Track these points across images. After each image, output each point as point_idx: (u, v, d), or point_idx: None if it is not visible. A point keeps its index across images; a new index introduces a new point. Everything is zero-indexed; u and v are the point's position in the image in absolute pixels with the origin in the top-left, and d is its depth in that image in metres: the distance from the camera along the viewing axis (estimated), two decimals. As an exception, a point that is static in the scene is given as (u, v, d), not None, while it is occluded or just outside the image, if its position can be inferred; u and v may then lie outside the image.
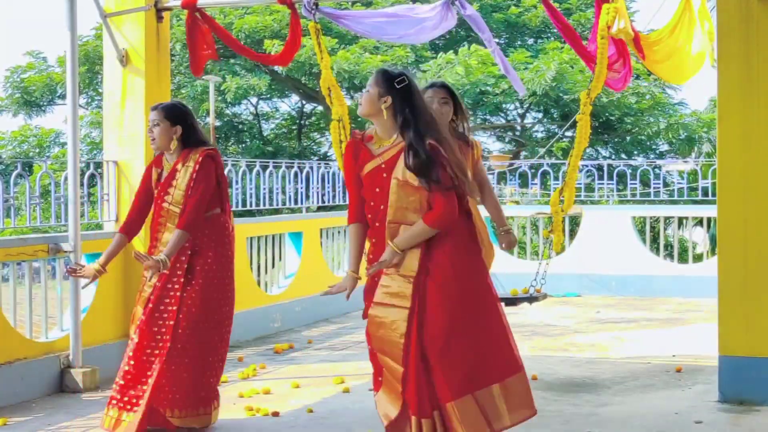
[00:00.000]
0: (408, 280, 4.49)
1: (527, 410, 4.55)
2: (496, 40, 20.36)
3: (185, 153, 5.59)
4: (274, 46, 17.83)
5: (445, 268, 4.49)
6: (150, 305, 5.55)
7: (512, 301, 7.33)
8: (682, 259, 14.35)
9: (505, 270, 12.19)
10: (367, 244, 4.73)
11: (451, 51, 18.11)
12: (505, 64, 6.98)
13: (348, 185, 4.75)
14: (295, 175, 10.74)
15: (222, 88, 19.55)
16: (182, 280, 5.52)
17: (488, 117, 21.48)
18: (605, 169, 13.93)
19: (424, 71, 18.13)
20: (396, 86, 4.55)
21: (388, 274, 4.53)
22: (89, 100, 22.36)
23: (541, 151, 18.94)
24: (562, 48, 18.35)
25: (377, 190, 4.57)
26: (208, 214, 5.59)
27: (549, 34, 20.33)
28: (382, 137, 4.62)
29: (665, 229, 13.52)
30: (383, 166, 4.55)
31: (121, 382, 5.51)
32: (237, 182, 9.78)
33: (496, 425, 4.46)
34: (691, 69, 7.43)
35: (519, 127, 22.06)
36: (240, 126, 22.77)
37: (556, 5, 7.45)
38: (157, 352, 5.49)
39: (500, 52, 7.08)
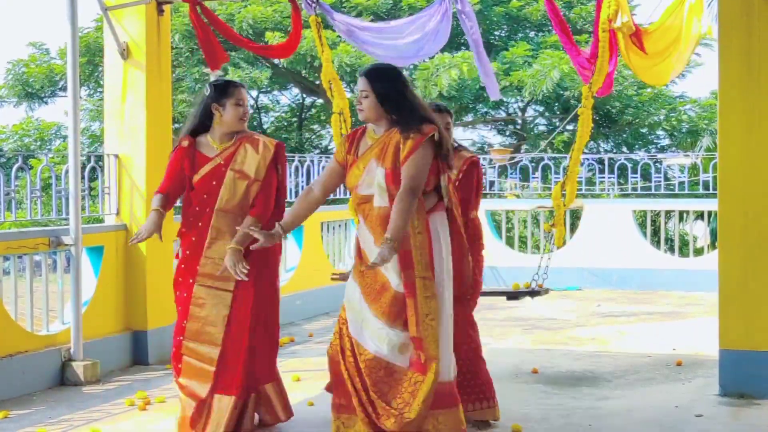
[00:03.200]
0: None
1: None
2: (498, 32, 20.35)
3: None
4: (275, 39, 17.76)
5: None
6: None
7: (514, 296, 7.35)
8: (683, 253, 14.35)
9: (507, 264, 12.24)
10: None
11: (447, 53, 18.04)
12: (486, 69, 7.00)
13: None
14: (296, 168, 10.74)
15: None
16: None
17: (489, 111, 21.44)
18: (606, 162, 13.92)
19: (423, 70, 18.07)
20: (212, 84, 5.46)
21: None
22: (90, 92, 22.26)
23: (543, 144, 18.88)
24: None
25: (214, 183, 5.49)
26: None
27: (550, 28, 20.28)
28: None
29: (666, 222, 13.52)
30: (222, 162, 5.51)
31: None
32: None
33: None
34: (677, 69, 7.41)
35: (520, 121, 22.02)
36: (241, 119, 22.61)
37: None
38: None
39: (485, 56, 7.07)
